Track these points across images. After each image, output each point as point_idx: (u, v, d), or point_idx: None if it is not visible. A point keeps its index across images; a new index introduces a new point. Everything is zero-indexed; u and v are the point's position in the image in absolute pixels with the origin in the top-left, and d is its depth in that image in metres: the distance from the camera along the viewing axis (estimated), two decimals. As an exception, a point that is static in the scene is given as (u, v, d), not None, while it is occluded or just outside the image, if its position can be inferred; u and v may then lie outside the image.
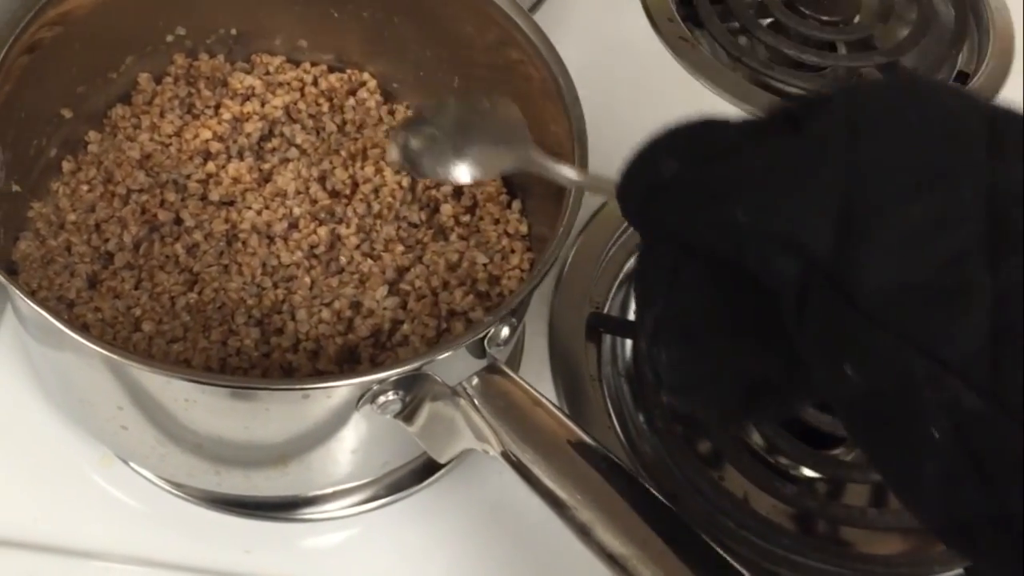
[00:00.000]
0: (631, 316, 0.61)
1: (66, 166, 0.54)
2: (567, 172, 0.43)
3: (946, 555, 0.53)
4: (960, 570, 0.53)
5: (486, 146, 0.46)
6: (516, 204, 0.54)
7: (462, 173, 0.46)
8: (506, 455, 0.42)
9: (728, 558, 0.38)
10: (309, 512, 0.52)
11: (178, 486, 0.52)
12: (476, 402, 0.43)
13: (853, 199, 0.28)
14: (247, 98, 0.57)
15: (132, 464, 0.52)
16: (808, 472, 0.56)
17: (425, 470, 0.53)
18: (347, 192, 0.54)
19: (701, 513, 0.53)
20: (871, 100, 0.30)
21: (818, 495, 0.56)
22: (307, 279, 0.50)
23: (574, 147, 0.48)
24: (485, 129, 0.47)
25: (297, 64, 0.59)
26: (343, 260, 0.51)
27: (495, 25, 0.53)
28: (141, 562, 0.50)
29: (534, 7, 0.72)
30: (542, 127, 0.51)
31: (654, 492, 0.40)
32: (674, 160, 0.32)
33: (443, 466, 0.52)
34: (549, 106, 0.51)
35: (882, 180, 0.28)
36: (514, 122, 0.47)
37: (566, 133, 0.49)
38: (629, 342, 0.59)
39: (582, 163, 0.48)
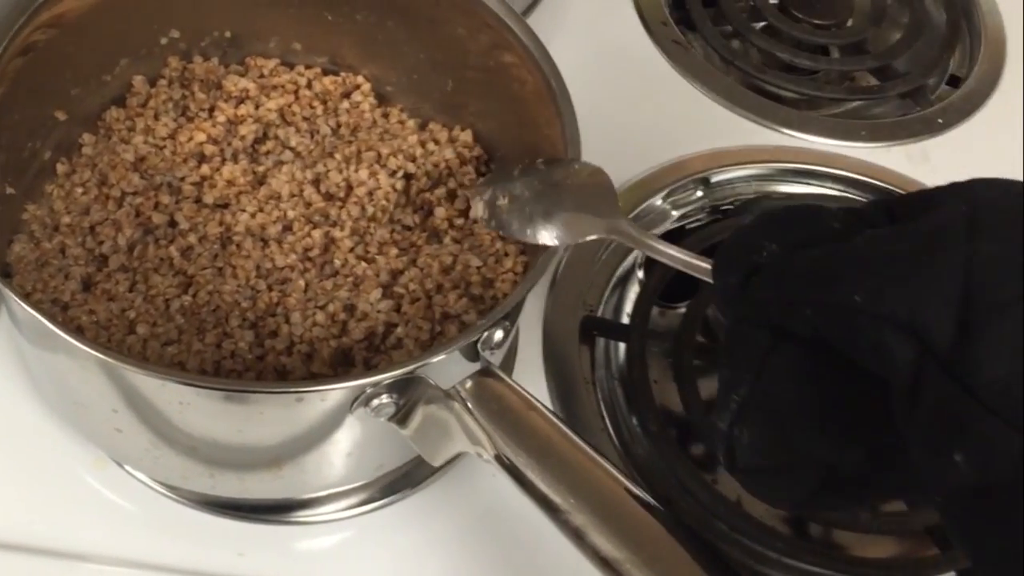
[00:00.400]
0: (624, 319, 0.61)
1: (60, 168, 0.53)
2: (661, 247, 0.43)
3: (939, 558, 0.53)
4: (953, 574, 0.53)
5: (575, 212, 0.47)
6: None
7: (549, 237, 0.47)
8: (500, 458, 0.42)
9: (726, 560, 0.38)
10: (303, 515, 0.52)
11: (172, 488, 0.52)
12: (470, 405, 0.43)
13: (973, 289, 0.28)
14: (241, 101, 0.57)
15: (126, 467, 0.52)
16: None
17: (419, 473, 0.53)
18: (341, 195, 0.54)
19: (694, 516, 0.53)
20: (986, 197, 0.31)
21: (811, 498, 0.56)
22: (301, 282, 0.50)
23: (567, 150, 0.49)
24: (575, 194, 0.47)
25: (291, 67, 0.59)
26: (337, 263, 0.51)
27: (488, 28, 0.53)
28: (135, 565, 0.50)
29: (527, 10, 0.72)
30: (535, 130, 0.52)
31: (648, 496, 0.40)
32: (774, 244, 0.33)
33: (437, 469, 0.52)
34: (542, 109, 0.51)
35: (1002, 273, 0.28)
36: (605, 190, 0.47)
37: (559, 136, 0.49)
38: (622, 345, 0.59)
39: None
